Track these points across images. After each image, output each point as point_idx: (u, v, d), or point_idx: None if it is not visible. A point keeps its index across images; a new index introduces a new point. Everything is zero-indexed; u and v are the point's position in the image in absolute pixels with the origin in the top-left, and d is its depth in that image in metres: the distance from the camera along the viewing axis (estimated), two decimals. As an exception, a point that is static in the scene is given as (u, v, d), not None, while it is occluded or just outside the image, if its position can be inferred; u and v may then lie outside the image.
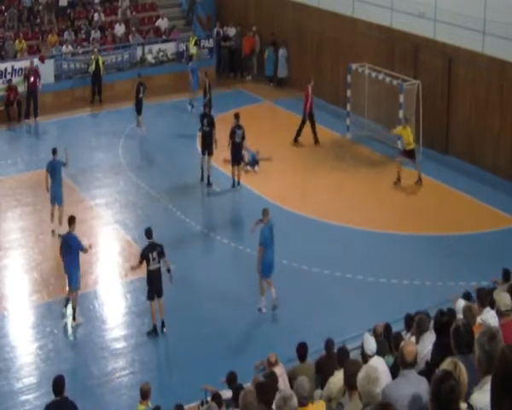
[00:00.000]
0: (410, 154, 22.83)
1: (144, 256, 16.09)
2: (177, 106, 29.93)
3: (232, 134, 22.47)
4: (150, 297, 16.30)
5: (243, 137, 22.48)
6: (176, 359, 15.93)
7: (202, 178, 22.87)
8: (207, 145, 22.61)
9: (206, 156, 22.69)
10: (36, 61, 28.87)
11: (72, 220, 16.93)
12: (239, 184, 22.65)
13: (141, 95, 26.56)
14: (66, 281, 16.95)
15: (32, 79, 27.94)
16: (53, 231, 20.38)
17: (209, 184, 22.73)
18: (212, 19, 34.93)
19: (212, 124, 22.60)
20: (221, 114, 28.61)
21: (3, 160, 24.92)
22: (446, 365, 6.09)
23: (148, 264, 16.09)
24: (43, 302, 17.69)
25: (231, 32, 33.34)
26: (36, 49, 30.44)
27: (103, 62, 29.81)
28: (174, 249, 18.85)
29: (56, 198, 20.30)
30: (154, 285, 16.24)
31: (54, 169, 20.13)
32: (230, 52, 33.29)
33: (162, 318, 16.38)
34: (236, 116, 22.74)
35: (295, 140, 25.93)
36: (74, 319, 16.71)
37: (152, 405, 12.20)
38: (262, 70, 32.34)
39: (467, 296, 12.86)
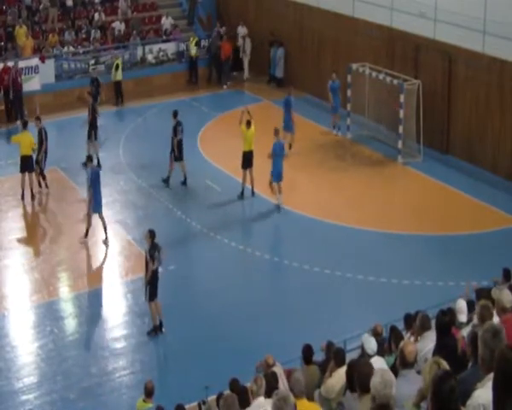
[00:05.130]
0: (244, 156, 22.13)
1: (152, 257, 16.10)
2: (177, 106, 29.91)
3: (176, 131, 22.72)
4: (154, 297, 16.27)
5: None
6: (176, 358, 15.92)
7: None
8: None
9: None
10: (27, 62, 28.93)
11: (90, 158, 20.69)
12: (185, 181, 22.99)
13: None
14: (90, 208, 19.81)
15: (18, 79, 27.82)
16: None
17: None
18: (212, 18, 34.90)
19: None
20: (222, 114, 28.68)
21: (3, 160, 24.91)
22: (429, 366, 6.21)
23: (153, 263, 16.11)
24: (44, 302, 17.70)
25: (241, 31, 33.04)
26: (37, 48, 30.45)
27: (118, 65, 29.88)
28: (174, 249, 18.87)
29: None
30: (156, 285, 16.24)
31: None
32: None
33: (161, 318, 16.40)
34: (175, 114, 22.99)
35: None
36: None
37: (152, 404, 12.20)
38: (259, 70, 32.29)
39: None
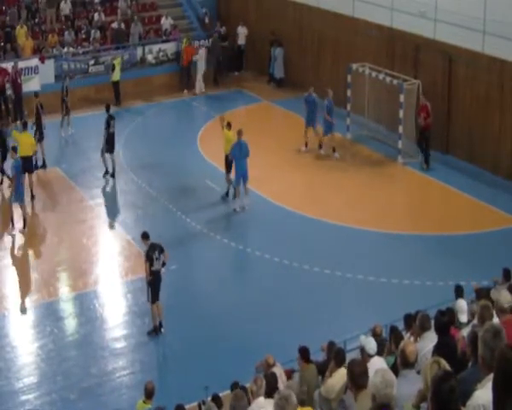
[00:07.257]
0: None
1: (149, 257, 16.06)
2: (177, 106, 29.94)
3: (109, 125, 23.20)
4: (156, 299, 16.24)
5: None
6: (176, 359, 15.92)
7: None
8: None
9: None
10: (36, 62, 28.88)
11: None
12: (113, 174, 23.37)
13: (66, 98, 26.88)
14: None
15: (18, 80, 27.81)
16: None
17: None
18: (212, 18, 34.86)
19: None
20: (221, 114, 28.64)
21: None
22: (429, 366, 6.20)
23: (151, 264, 16.07)
24: (44, 302, 17.70)
25: (242, 31, 32.95)
26: (37, 49, 30.43)
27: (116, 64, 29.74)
28: (174, 249, 18.84)
29: None
30: (158, 286, 16.19)
31: None
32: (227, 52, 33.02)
33: (161, 319, 16.39)
34: (107, 108, 23.71)
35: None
36: None
37: (152, 405, 12.20)
38: (259, 70, 32.27)
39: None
